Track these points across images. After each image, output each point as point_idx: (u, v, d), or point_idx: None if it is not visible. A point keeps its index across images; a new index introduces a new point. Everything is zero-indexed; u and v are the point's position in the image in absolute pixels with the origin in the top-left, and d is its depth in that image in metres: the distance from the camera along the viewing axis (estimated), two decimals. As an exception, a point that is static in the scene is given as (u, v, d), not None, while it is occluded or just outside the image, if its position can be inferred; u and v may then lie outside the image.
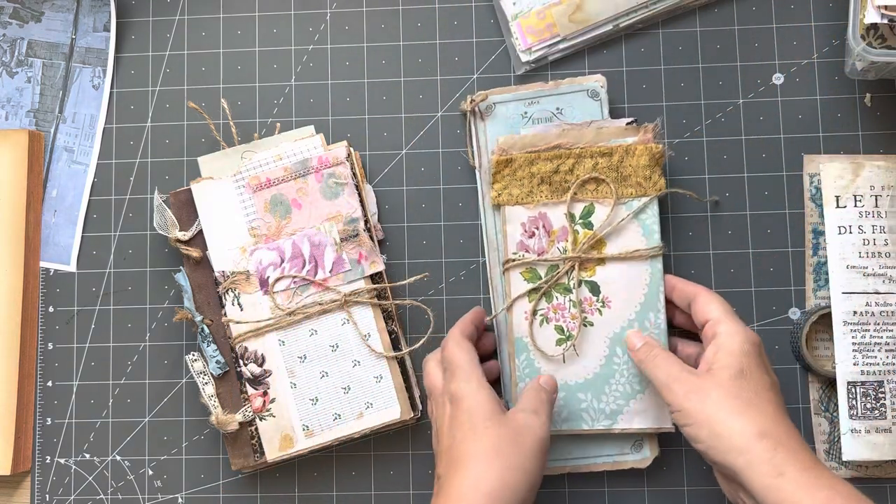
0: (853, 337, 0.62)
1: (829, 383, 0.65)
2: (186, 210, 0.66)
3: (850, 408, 0.62)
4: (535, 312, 0.63)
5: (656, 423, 0.62)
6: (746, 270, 0.66)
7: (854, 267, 0.63)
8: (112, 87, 0.70)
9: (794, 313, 0.66)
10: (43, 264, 0.69)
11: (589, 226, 0.63)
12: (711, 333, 0.56)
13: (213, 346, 0.65)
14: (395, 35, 0.69)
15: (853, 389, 0.62)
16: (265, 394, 0.64)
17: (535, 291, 0.63)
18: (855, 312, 0.62)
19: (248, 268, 0.64)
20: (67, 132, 0.70)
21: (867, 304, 0.62)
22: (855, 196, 0.63)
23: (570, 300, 0.63)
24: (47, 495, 0.68)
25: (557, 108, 0.65)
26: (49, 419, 0.68)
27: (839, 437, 0.63)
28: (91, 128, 0.70)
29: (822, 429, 0.64)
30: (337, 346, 0.64)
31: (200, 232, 0.65)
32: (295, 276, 0.64)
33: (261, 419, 0.64)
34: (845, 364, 0.62)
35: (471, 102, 0.65)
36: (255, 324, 0.64)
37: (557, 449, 0.64)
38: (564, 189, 0.63)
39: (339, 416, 0.64)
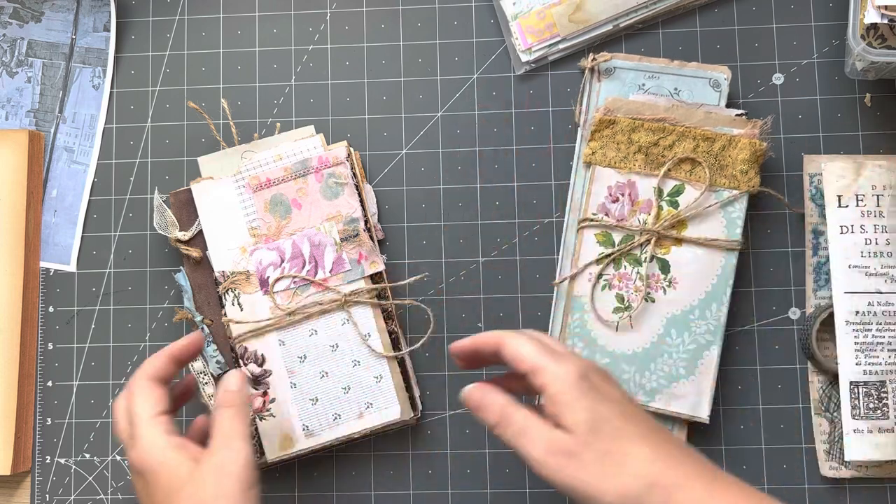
0: (855, 337, 0.62)
1: (830, 383, 0.65)
2: (186, 210, 0.66)
3: (853, 408, 0.62)
4: (599, 276, 0.63)
5: (692, 411, 0.63)
6: (746, 270, 0.66)
7: (856, 266, 0.63)
8: (112, 87, 0.70)
9: (794, 313, 0.66)
10: (43, 264, 0.69)
11: (675, 204, 0.63)
12: (539, 385, 0.48)
13: (213, 347, 0.64)
14: (395, 35, 0.70)
15: (855, 389, 0.62)
16: (265, 394, 0.64)
17: (605, 256, 0.63)
18: (857, 312, 0.62)
19: (248, 268, 0.64)
20: (67, 132, 0.70)
21: (869, 304, 0.62)
22: (857, 195, 0.63)
23: (638, 273, 0.63)
24: (47, 495, 0.68)
25: (676, 89, 0.65)
26: (49, 419, 0.68)
27: (839, 437, 0.63)
28: (91, 128, 0.70)
29: (822, 429, 0.64)
30: (337, 346, 0.64)
31: (200, 232, 0.65)
32: (295, 276, 0.64)
33: (261, 419, 0.64)
34: (848, 364, 0.62)
35: (592, 60, 0.66)
36: (255, 324, 0.64)
37: None
38: (660, 163, 0.63)
39: (339, 416, 0.64)
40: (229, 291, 0.64)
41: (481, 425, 0.66)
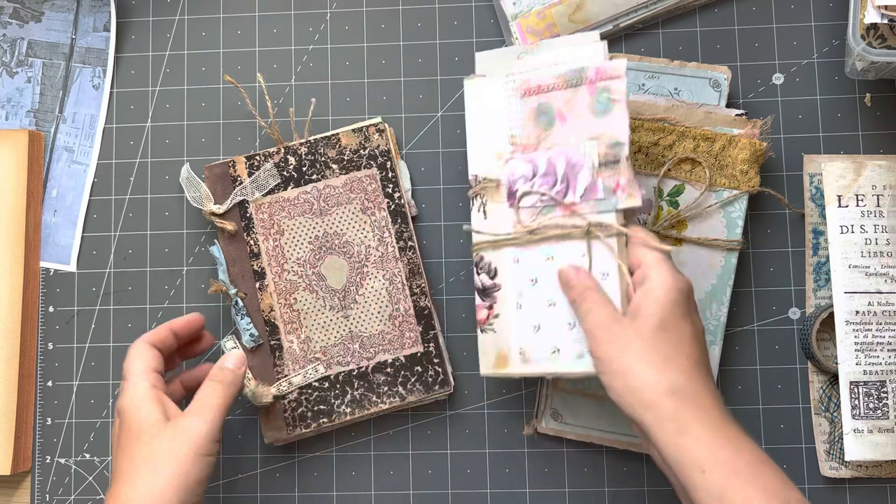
0: (855, 337, 0.62)
1: (830, 383, 0.65)
2: (221, 183, 0.66)
3: (853, 408, 0.62)
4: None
5: None
6: (746, 270, 0.66)
7: (856, 266, 0.63)
8: (112, 87, 0.70)
9: (794, 313, 0.66)
10: (43, 264, 0.69)
11: (675, 204, 0.64)
12: (641, 278, 0.53)
13: (247, 320, 0.65)
14: (395, 35, 0.70)
15: (856, 389, 0.62)
16: (491, 307, 0.59)
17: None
18: (857, 312, 0.62)
19: (500, 176, 0.59)
20: (67, 132, 0.70)
21: (869, 304, 0.62)
22: (857, 195, 0.63)
23: None
24: (47, 495, 0.68)
25: (676, 89, 0.65)
26: (49, 419, 0.68)
27: (840, 437, 0.63)
28: (91, 128, 0.70)
29: (822, 429, 0.64)
30: None
31: (235, 205, 0.66)
32: (543, 194, 0.58)
33: (482, 331, 0.60)
34: (848, 364, 0.62)
35: None
36: (494, 236, 0.59)
37: (583, 416, 0.64)
38: (659, 163, 0.63)
39: (559, 350, 0.57)
40: (478, 196, 0.60)
41: (481, 423, 0.66)
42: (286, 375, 0.65)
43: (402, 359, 0.65)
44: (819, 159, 0.66)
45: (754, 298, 0.66)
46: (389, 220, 0.66)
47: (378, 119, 0.67)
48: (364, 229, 0.66)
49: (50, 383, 0.69)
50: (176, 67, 0.70)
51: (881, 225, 0.63)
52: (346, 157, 0.66)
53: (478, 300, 0.60)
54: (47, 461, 0.68)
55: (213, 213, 0.66)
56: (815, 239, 0.66)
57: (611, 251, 0.55)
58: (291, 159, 0.66)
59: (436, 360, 0.65)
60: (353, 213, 0.66)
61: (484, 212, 0.60)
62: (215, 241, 0.66)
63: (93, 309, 0.69)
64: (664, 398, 0.49)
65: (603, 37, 0.67)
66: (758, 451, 0.48)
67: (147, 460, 0.53)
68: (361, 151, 0.66)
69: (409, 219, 0.66)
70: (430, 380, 0.65)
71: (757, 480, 0.47)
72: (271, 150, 0.67)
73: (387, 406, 0.64)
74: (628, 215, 0.56)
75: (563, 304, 0.57)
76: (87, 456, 0.68)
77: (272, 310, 0.65)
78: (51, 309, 0.69)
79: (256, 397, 0.63)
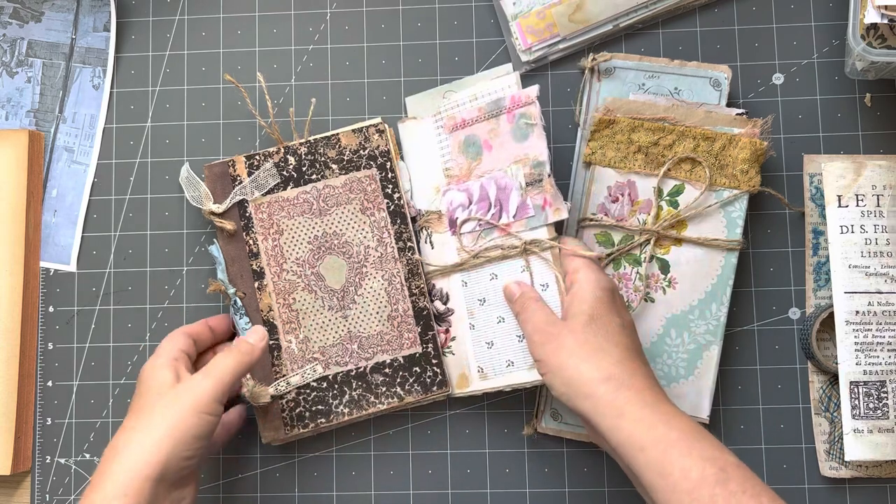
0: (855, 337, 0.62)
1: (830, 383, 0.64)
2: (220, 183, 0.66)
3: (853, 407, 0.62)
4: None
5: (692, 411, 0.63)
6: (746, 270, 0.66)
7: (856, 266, 0.63)
8: (112, 87, 0.70)
9: (794, 313, 0.66)
10: (43, 264, 0.69)
11: (675, 204, 0.64)
12: (570, 283, 0.58)
13: (246, 319, 0.65)
14: (395, 35, 0.70)
15: (856, 389, 0.62)
16: (447, 331, 0.65)
17: (604, 256, 0.64)
18: (857, 312, 0.62)
19: (440, 207, 0.65)
20: (67, 132, 0.70)
21: (869, 304, 0.62)
22: (857, 195, 0.63)
23: (638, 273, 0.63)
24: (47, 495, 0.68)
25: (676, 88, 0.65)
26: (49, 419, 0.68)
27: (839, 437, 0.63)
28: (91, 128, 0.70)
29: (822, 429, 0.64)
30: None
31: (235, 205, 0.65)
32: (480, 219, 0.64)
33: (444, 355, 0.65)
34: (848, 364, 0.62)
35: (592, 60, 0.66)
36: (442, 266, 0.65)
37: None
38: (659, 163, 0.64)
39: (513, 363, 0.62)
40: (423, 229, 0.66)
41: (481, 423, 0.66)
42: (284, 375, 0.65)
43: (401, 359, 0.65)
44: (819, 159, 0.66)
45: (754, 298, 0.66)
46: (389, 220, 0.66)
47: (378, 119, 0.67)
48: (363, 229, 0.66)
49: (50, 383, 0.69)
50: (176, 67, 0.70)
51: (881, 225, 0.63)
52: (345, 158, 0.66)
53: (436, 326, 0.65)
54: (47, 461, 0.68)
55: (213, 213, 0.65)
56: (815, 239, 0.66)
57: (547, 263, 0.61)
58: (291, 159, 0.66)
59: (434, 361, 0.65)
60: (353, 213, 0.66)
61: (430, 242, 0.65)
62: (214, 240, 0.66)
63: (93, 309, 0.69)
64: (599, 386, 0.52)
65: (603, 37, 0.67)
66: (692, 424, 0.51)
67: (148, 413, 0.54)
68: (361, 152, 0.66)
69: (409, 219, 0.66)
70: (429, 380, 0.64)
71: (693, 451, 0.49)
72: (271, 149, 0.66)
73: (385, 407, 0.64)
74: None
75: (511, 319, 0.62)
76: (87, 456, 0.68)
77: (271, 309, 0.65)
78: (51, 309, 0.69)
79: (254, 397, 0.63)
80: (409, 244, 0.66)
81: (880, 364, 0.62)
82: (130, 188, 0.70)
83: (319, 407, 0.65)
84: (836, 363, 0.62)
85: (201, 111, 0.70)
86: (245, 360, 0.58)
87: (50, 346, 0.69)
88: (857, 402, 0.62)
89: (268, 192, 0.66)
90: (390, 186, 0.66)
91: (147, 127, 0.70)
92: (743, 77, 0.67)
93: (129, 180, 0.70)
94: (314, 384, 0.65)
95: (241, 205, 0.66)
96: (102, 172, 0.70)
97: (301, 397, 0.65)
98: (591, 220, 0.64)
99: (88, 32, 0.71)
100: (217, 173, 0.66)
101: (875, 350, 0.62)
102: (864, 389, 0.62)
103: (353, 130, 0.66)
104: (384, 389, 0.65)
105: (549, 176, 0.61)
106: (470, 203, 0.64)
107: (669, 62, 0.66)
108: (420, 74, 0.69)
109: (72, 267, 0.69)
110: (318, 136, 0.66)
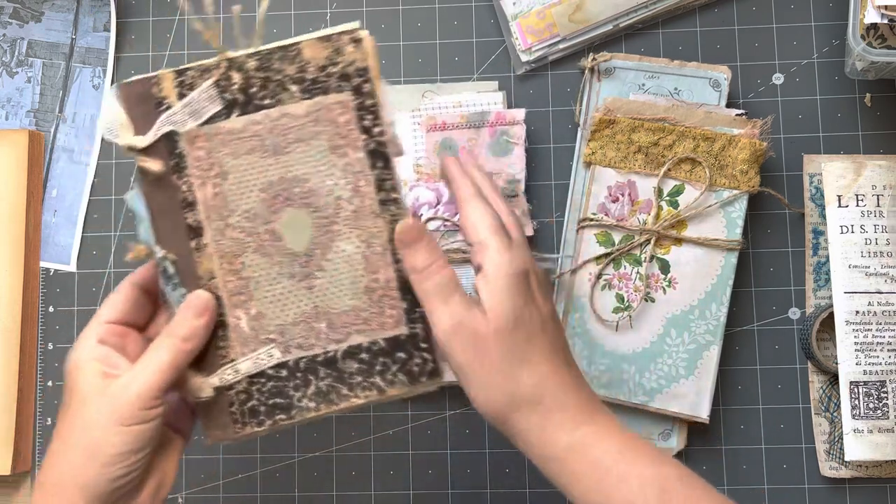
0: (855, 337, 0.62)
1: (830, 383, 0.65)
2: (142, 108, 0.49)
3: (853, 408, 0.62)
4: (599, 276, 0.64)
5: (692, 412, 0.63)
6: (746, 270, 0.66)
7: (856, 266, 0.63)
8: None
9: (794, 313, 0.66)
10: (43, 264, 0.69)
11: (675, 204, 0.64)
12: (477, 263, 0.48)
13: (181, 291, 0.49)
14: (395, 35, 0.70)
15: (855, 389, 0.62)
16: None
17: (604, 256, 0.64)
18: (857, 312, 0.62)
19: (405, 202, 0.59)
20: (67, 132, 0.70)
21: (869, 304, 0.62)
22: (857, 195, 0.63)
23: (638, 273, 0.63)
24: (47, 496, 0.68)
25: (676, 89, 0.65)
26: (49, 419, 0.68)
27: (839, 437, 0.63)
28: (91, 128, 0.70)
29: (822, 429, 0.64)
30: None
31: (162, 138, 0.49)
32: (446, 220, 0.63)
33: None
34: (848, 364, 0.62)
35: (592, 60, 0.66)
36: None
37: None
38: (659, 163, 0.64)
39: None
40: None
41: (481, 423, 0.66)
42: (232, 361, 0.50)
43: (381, 342, 0.51)
44: (819, 159, 0.66)
45: (754, 298, 0.66)
46: (367, 162, 0.50)
47: (355, 24, 0.51)
48: (333, 174, 0.50)
49: (50, 383, 0.69)
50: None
51: (881, 225, 0.63)
52: (309, 76, 0.50)
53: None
54: (47, 461, 0.68)
55: (132, 148, 0.49)
56: (815, 239, 0.66)
57: None
58: (236, 76, 0.49)
59: (423, 346, 0.50)
60: (319, 152, 0.50)
61: None
62: (133, 186, 0.52)
63: (93, 309, 0.69)
64: (525, 410, 0.46)
65: (603, 37, 0.67)
66: (627, 437, 0.47)
67: (68, 429, 0.46)
68: (331, 69, 0.50)
69: (393, 162, 0.50)
70: (417, 369, 0.50)
71: (631, 475, 0.45)
72: (209, 62, 0.49)
73: (361, 400, 0.51)
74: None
75: None
76: (87, 456, 0.68)
77: (213, 277, 0.50)
78: (51, 309, 0.69)
79: (192, 389, 0.50)
80: (392, 195, 0.50)
81: (880, 364, 0.62)
82: (130, 188, 0.70)
83: (278, 400, 0.51)
84: (836, 363, 0.62)
85: (201, 111, 0.70)
86: (187, 347, 0.47)
87: (50, 346, 0.69)
88: (857, 402, 0.62)
89: (206, 122, 0.49)
90: (369, 117, 0.50)
91: (147, 127, 0.70)
92: (743, 77, 0.67)
93: (129, 180, 0.70)
94: (270, 372, 0.50)
95: (170, 138, 0.49)
96: (102, 172, 0.70)
97: (254, 388, 0.50)
98: (592, 220, 0.64)
99: (88, 32, 0.71)
100: (136, 94, 0.49)
101: (875, 350, 0.62)
102: (864, 389, 0.62)
103: (318, 38, 0.50)
104: (360, 379, 0.51)
105: (523, 193, 0.64)
106: (438, 203, 0.65)
107: (669, 62, 0.66)
108: (420, 74, 0.69)
109: (72, 267, 0.69)
110: (272, 46, 0.50)
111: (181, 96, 0.49)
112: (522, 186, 0.65)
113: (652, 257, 0.63)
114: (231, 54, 0.50)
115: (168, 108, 0.49)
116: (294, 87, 0.50)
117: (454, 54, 0.69)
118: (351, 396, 0.51)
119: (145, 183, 0.50)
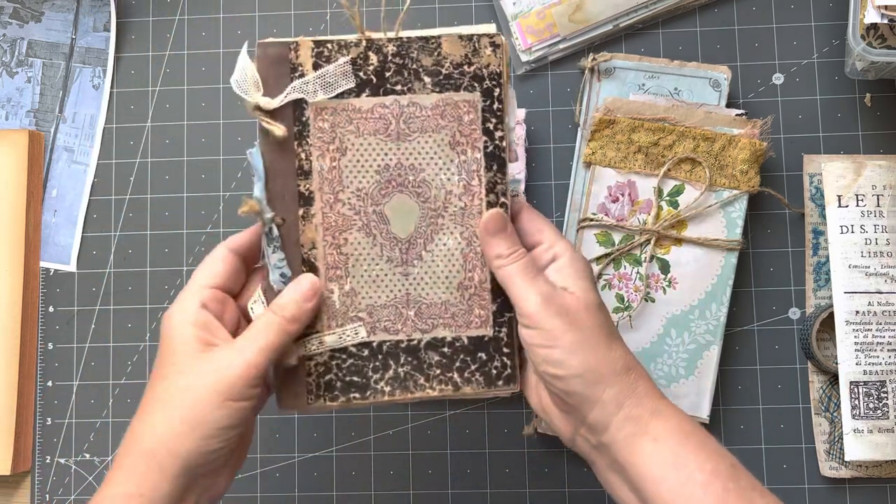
0: (855, 337, 0.62)
1: (830, 383, 0.65)
2: (275, 70, 0.50)
3: (853, 407, 0.62)
4: (599, 276, 0.64)
5: (692, 411, 0.63)
6: (746, 270, 0.66)
7: (856, 266, 0.63)
8: (112, 87, 0.70)
9: (794, 313, 0.66)
10: (43, 264, 0.69)
11: (675, 204, 0.64)
12: (550, 257, 0.50)
13: (280, 255, 0.50)
14: (395, 35, 0.69)
15: (855, 389, 0.62)
16: None
17: (604, 256, 0.64)
18: (857, 312, 0.62)
19: None
20: (67, 132, 0.70)
21: (869, 304, 0.62)
22: (857, 195, 0.63)
23: (638, 273, 0.64)
24: (47, 495, 0.68)
25: (676, 89, 0.65)
26: (49, 419, 0.68)
27: (839, 437, 0.63)
28: (91, 128, 0.70)
29: (822, 429, 0.64)
30: None
31: (290, 104, 0.50)
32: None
33: None
34: (848, 364, 0.62)
35: (592, 60, 0.66)
36: None
37: None
38: (659, 163, 0.64)
39: None
40: None
41: (481, 423, 0.66)
42: (318, 332, 0.51)
43: (465, 339, 0.52)
44: (819, 159, 0.66)
45: (754, 298, 0.66)
46: (483, 164, 0.51)
47: (494, 28, 0.53)
48: (449, 169, 0.51)
49: (50, 383, 0.69)
50: (176, 67, 0.70)
51: (881, 225, 0.63)
52: (443, 71, 0.51)
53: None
54: (47, 461, 0.68)
55: (259, 108, 0.50)
56: (815, 239, 0.66)
57: None
58: (373, 58, 0.51)
59: (506, 350, 0.52)
60: (440, 145, 0.51)
61: None
62: (255, 144, 0.51)
63: (93, 309, 0.69)
64: (623, 375, 0.47)
65: (603, 37, 0.67)
66: (702, 437, 0.48)
67: (165, 398, 0.46)
68: (465, 67, 0.51)
69: (507, 167, 0.52)
70: (495, 372, 0.51)
71: (706, 445, 0.47)
72: (349, 37, 0.51)
73: (436, 393, 0.51)
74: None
75: None
76: (87, 456, 0.68)
77: (314, 247, 0.51)
78: (51, 309, 0.69)
79: (283, 355, 0.51)
80: (502, 199, 0.51)
81: (880, 364, 0.62)
82: (130, 188, 0.70)
83: (355, 378, 0.51)
84: (836, 363, 0.62)
85: (201, 111, 0.70)
86: (291, 329, 0.47)
87: (50, 346, 0.69)
88: (857, 402, 0.62)
89: (336, 97, 0.51)
90: (493, 121, 0.51)
91: (147, 127, 0.70)
92: (743, 77, 0.67)
93: (129, 180, 0.70)
94: (353, 349, 0.51)
95: (298, 105, 0.50)
96: (102, 172, 0.70)
97: (334, 363, 0.51)
98: (592, 220, 0.64)
99: (88, 32, 0.71)
100: (273, 56, 0.50)
101: (875, 350, 0.62)
102: (864, 389, 0.62)
103: (459, 36, 0.51)
104: (438, 372, 0.52)
105: (523, 193, 0.63)
106: None
107: (669, 62, 0.66)
108: (420, 74, 0.69)
109: (72, 267, 0.69)
110: (413, 35, 0.52)
111: (316, 66, 0.50)
112: (522, 186, 0.65)
113: (652, 257, 0.63)
114: (373, 35, 0.51)
115: (302, 75, 0.50)
116: (427, 79, 0.51)
117: (454, 54, 0.69)
118: (427, 387, 0.52)
119: (266, 144, 0.50)
